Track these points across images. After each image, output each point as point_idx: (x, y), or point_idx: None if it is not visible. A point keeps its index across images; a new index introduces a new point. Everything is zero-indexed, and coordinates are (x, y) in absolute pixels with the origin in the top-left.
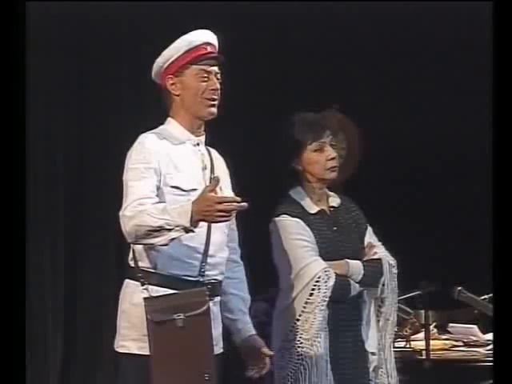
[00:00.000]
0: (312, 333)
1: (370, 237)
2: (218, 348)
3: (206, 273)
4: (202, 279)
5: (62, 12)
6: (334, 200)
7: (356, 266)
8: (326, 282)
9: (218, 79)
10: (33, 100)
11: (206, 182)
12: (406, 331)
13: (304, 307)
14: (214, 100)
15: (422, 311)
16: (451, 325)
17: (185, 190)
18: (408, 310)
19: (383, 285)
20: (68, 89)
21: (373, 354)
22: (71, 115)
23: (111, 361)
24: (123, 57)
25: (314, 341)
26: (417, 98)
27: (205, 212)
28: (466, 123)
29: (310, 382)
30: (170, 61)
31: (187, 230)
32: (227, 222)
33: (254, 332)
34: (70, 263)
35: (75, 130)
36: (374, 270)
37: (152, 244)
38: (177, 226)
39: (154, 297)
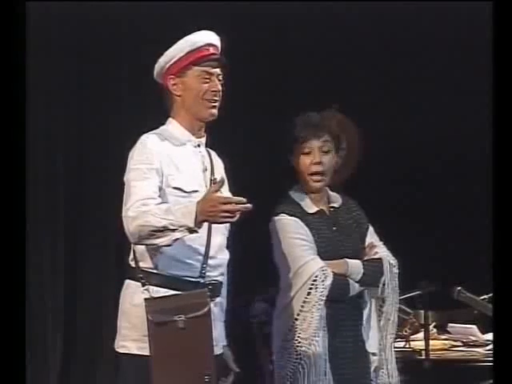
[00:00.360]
0: (310, 332)
1: (371, 237)
2: (218, 348)
3: (207, 274)
4: (202, 280)
5: (62, 12)
6: (335, 200)
7: (355, 266)
8: (323, 280)
9: (219, 81)
10: (33, 100)
11: (206, 184)
12: (406, 331)
13: (302, 306)
14: (214, 101)
15: (422, 311)
16: (451, 325)
17: (186, 192)
18: (408, 310)
19: (384, 284)
20: (68, 89)
21: (374, 354)
22: (71, 115)
23: (111, 361)
24: (123, 57)
25: (312, 340)
26: (417, 98)
27: (209, 212)
28: (465, 123)
29: (308, 381)
30: (172, 61)
31: (191, 231)
32: (226, 224)
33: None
34: (69, 263)
35: (75, 130)
36: (374, 269)
37: (155, 244)
38: (181, 227)
39: (154, 298)
